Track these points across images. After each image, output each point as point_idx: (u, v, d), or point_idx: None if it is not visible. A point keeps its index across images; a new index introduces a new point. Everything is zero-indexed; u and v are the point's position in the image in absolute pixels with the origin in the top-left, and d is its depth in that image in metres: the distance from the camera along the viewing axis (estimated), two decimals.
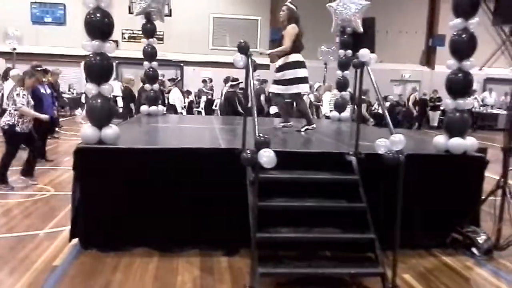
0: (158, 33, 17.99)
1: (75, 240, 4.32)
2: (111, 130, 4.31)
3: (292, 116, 6.98)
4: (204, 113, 14.83)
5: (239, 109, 8.84)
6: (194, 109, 15.10)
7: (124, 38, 18.06)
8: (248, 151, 3.32)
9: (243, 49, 4.06)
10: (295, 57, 5.76)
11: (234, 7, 19.01)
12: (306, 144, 5.66)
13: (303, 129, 6.02)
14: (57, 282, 3.64)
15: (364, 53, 4.17)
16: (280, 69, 5.83)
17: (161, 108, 7.62)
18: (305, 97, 8.54)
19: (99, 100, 4.30)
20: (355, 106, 7.84)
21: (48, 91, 8.09)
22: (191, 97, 15.57)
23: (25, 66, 9.49)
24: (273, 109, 10.36)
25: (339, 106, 7.95)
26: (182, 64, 18.45)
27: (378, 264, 3.70)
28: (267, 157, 3.23)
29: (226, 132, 6.20)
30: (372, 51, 4.33)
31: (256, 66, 4.17)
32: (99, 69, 4.31)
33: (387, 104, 15.25)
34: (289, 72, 5.73)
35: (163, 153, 4.35)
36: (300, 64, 5.75)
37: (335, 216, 4.00)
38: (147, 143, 5.21)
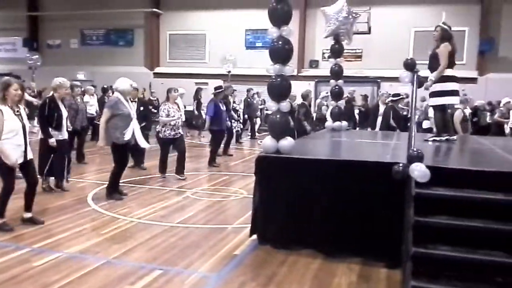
0: (357, 51, 18.80)
1: (254, 236, 4.99)
2: (286, 142, 4.87)
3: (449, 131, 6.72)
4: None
5: (392, 123, 9.53)
6: None
7: (324, 58, 19.01)
8: (400, 164, 3.43)
9: (409, 65, 4.16)
10: (447, 71, 6.09)
11: (436, 18, 18.16)
12: (480, 161, 5.31)
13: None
14: (234, 268, 4.34)
15: None
16: (434, 83, 6.17)
17: (344, 123, 7.97)
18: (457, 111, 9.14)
19: (278, 116, 4.91)
20: None
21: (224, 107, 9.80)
22: None
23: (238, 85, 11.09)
24: (426, 124, 10.90)
25: None
26: (379, 80, 18.46)
27: None
28: (419, 171, 3.31)
29: (397, 147, 6.18)
30: None
31: (423, 82, 4.20)
32: (279, 89, 4.92)
33: None
34: (438, 85, 6.06)
35: (327, 163, 4.70)
36: (451, 78, 6.12)
37: (505, 240, 3.72)
38: (316, 154, 5.56)
